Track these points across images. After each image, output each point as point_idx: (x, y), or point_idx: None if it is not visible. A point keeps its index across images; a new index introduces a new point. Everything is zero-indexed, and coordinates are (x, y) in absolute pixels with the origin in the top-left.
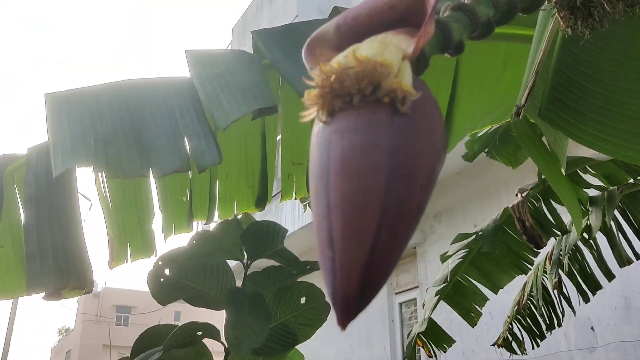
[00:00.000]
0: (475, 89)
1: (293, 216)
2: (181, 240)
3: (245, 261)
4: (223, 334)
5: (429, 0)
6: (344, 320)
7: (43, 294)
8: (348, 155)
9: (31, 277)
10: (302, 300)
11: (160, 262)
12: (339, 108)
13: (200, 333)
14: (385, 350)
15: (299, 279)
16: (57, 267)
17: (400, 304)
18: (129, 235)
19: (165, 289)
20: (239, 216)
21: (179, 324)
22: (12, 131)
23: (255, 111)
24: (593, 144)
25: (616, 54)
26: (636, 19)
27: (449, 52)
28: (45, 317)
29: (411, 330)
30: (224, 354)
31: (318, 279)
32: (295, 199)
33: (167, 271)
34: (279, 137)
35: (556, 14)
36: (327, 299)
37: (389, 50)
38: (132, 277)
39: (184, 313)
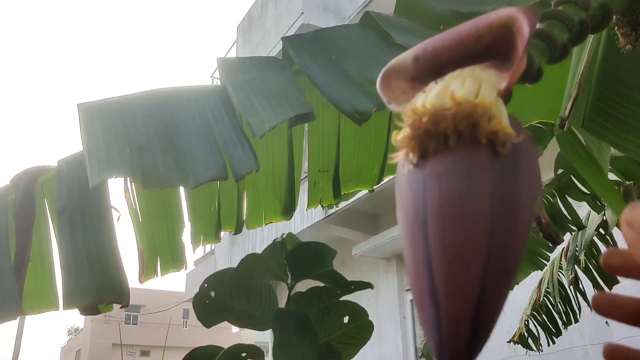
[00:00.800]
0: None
1: (302, 215)
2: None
3: (289, 282)
4: (269, 356)
5: (520, 30)
6: None
7: (79, 310)
8: (448, 202)
9: (67, 290)
10: (346, 319)
11: (206, 285)
12: (432, 150)
13: (244, 355)
14: (397, 347)
15: (341, 298)
16: (93, 281)
17: (412, 301)
18: (159, 248)
19: (210, 311)
20: (284, 236)
21: (188, 323)
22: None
23: (292, 118)
24: (638, 153)
25: None
26: None
27: (529, 81)
28: (54, 317)
29: None
30: None
31: (359, 298)
32: (322, 207)
33: (212, 293)
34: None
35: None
36: (432, 351)
37: (484, 88)
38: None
39: (193, 312)
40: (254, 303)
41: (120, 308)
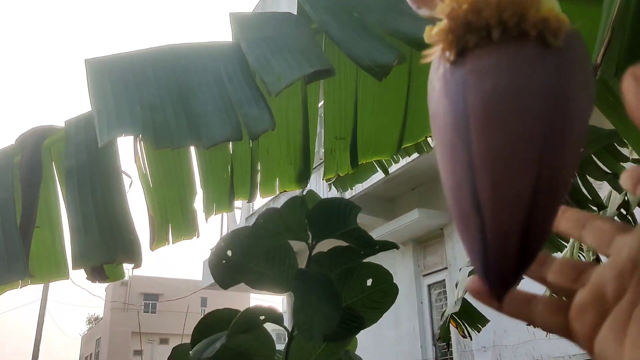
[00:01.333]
0: None
1: None
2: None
3: (310, 242)
4: (287, 319)
5: None
6: (501, 292)
7: (86, 274)
8: (493, 101)
9: (76, 250)
10: (369, 282)
11: (222, 243)
12: (473, 45)
13: (262, 317)
14: (414, 330)
15: (364, 260)
16: (103, 239)
17: (429, 286)
18: (171, 215)
19: (227, 272)
20: (304, 192)
21: (206, 310)
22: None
23: (310, 74)
24: None
25: None
26: None
27: None
28: (74, 307)
29: (444, 312)
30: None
31: (383, 260)
32: (340, 175)
33: (229, 253)
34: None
35: None
36: (476, 269)
37: None
38: (158, 264)
39: (210, 299)
40: (273, 264)
41: (133, 268)
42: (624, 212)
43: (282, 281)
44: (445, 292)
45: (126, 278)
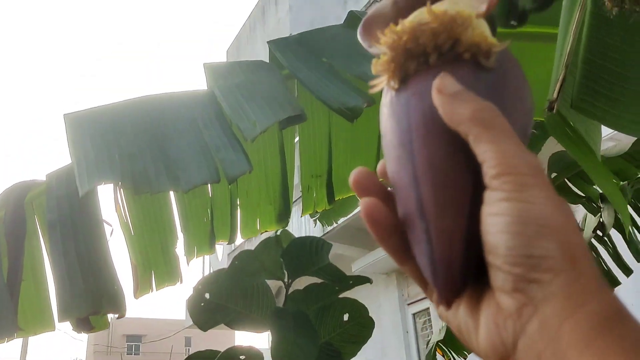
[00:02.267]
0: None
1: (300, 233)
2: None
3: (286, 280)
4: (268, 358)
5: None
6: (449, 295)
7: (72, 325)
8: (432, 117)
9: (62, 302)
10: (346, 317)
11: (200, 286)
12: (413, 71)
13: (243, 357)
14: None
15: (340, 295)
16: (88, 291)
17: (414, 315)
18: (153, 262)
19: (206, 314)
20: (278, 232)
21: (191, 350)
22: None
23: (283, 120)
24: (633, 129)
25: None
26: None
27: (514, 21)
28: (56, 351)
29: (429, 340)
30: None
31: (359, 294)
32: (317, 212)
33: (207, 295)
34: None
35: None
36: (425, 275)
37: (461, 6)
38: (141, 305)
39: (194, 340)
40: (251, 303)
41: (117, 318)
42: (600, 234)
43: (260, 320)
44: (430, 320)
45: (109, 320)
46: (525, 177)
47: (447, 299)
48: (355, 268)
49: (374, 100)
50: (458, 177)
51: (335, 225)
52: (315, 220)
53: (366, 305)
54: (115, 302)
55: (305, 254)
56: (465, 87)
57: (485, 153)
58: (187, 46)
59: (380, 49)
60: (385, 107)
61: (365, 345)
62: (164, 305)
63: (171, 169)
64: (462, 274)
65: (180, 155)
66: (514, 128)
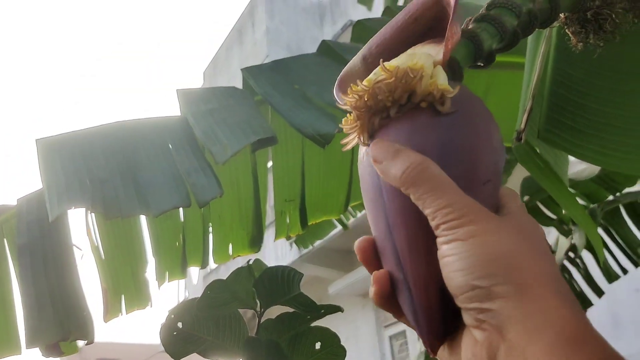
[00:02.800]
0: None
1: (276, 255)
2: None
3: (258, 309)
4: None
5: (448, 1)
6: (432, 340)
7: (41, 351)
8: None
9: (30, 328)
10: (317, 345)
11: (172, 315)
12: (378, 126)
13: None
14: None
15: (313, 324)
16: (57, 317)
17: (390, 337)
18: (123, 286)
19: (178, 343)
20: (250, 261)
21: None
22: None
23: (255, 143)
24: (596, 159)
25: (608, 70)
26: (624, 35)
27: (481, 62)
28: None
29: None
30: None
31: (331, 323)
32: (290, 236)
33: (179, 324)
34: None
35: (564, 30)
36: (411, 323)
37: (417, 57)
38: (114, 329)
39: None
40: (224, 333)
41: (86, 344)
42: (572, 256)
43: (233, 349)
44: (406, 342)
45: (80, 344)
46: (460, 220)
47: (432, 344)
48: (332, 290)
49: None
50: (427, 226)
51: (311, 247)
52: (291, 243)
53: (343, 328)
54: (84, 329)
55: (277, 284)
56: (425, 131)
57: (422, 207)
58: (187, 46)
59: (347, 108)
60: (360, 163)
61: None
62: (138, 330)
63: (142, 193)
64: (442, 318)
65: (151, 180)
66: (480, 165)
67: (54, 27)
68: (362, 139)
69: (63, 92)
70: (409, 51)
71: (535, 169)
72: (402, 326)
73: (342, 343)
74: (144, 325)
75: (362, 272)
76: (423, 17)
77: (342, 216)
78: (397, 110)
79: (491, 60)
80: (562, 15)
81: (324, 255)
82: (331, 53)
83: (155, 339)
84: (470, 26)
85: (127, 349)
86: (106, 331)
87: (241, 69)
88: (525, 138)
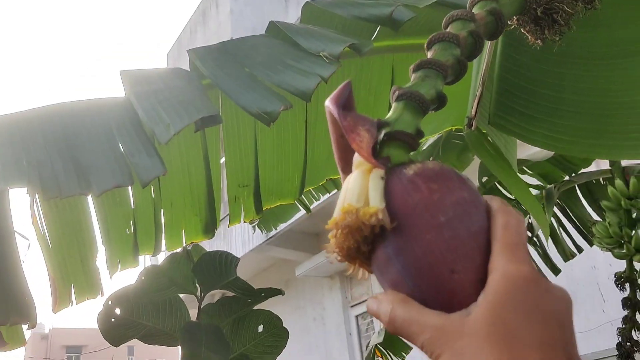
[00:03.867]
0: None
1: (243, 238)
2: (129, 275)
3: (198, 294)
4: None
5: (333, 115)
6: None
7: None
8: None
9: None
10: (260, 328)
11: (110, 302)
12: (365, 260)
13: None
14: None
15: (255, 307)
16: None
17: (357, 317)
18: (72, 276)
19: (117, 330)
20: (188, 247)
21: (134, 359)
22: None
23: (198, 121)
24: (546, 144)
25: (556, 55)
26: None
27: (434, 109)
28: None
29: (369, 342)
30: None
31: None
32: (244, 222)
33: (117, 311)
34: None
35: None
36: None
37: (345, 194)
38: (81, 315)
39: (138, 347)
40: (164, 318)
41: (27, 329)
42: (530, 235)
43: (174, 334)
44: (372, 321)
45: (46, 331)
46: (434, 355)
47: None
48: (299, 272)
49: (292, 105)
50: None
51: (278, 230)
52: (254, 227)
53: (310, 309)
54: (24, 313)
55: (215, 268)
56: (387, 263)
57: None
58: (125, 50)
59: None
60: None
61: (310, 348)
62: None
63: (83, 173)
64: None
65: (92, 160)
66: (438, 261)
67: (54, 27)
68: (365, 269)
69: (63, 92)
70: (344, 185)
71: (485, 154)
72: None
73: (310, 324)
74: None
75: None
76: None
77: (305, 199)
78: (368, 244)
79: (443, 102)
80: (514, 18)
81: (290, 238)
82: (280, 34)
83: None
84: (413, 76)
85: (94, 333)
86: (72, 318)
87: (187, 50)
88: (476, 124)
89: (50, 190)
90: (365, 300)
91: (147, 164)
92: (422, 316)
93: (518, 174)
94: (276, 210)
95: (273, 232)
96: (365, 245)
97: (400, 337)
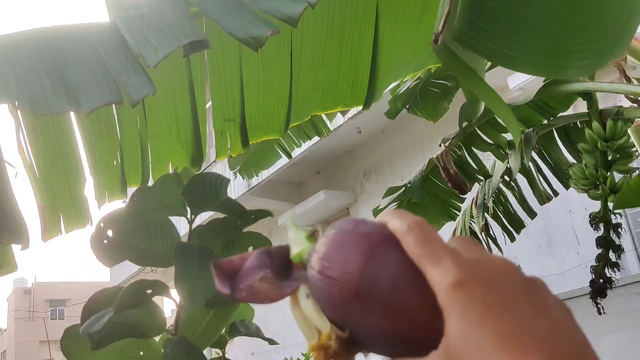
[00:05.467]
0: (397, 34)
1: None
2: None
3: (189, 216)
4: (174, 290)
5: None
6: None
7: None
8: None
9: None
10: (250, 249)
11: (102, 224)
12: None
13: (150, 291)
14: None
15: (245, 230)
16: None
17: None
18: (61, 205)
19: (110, 252)
20: (178, 170)
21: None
22: None
23: (186, 46)
24: (509, 63)
25: None
26: None
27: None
28: None
29: None
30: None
31: (263, 229)
32: (231, 156)
33: (109, 232)
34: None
35: None
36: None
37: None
38: (63, 269)
39: None
40: (156, 240)
41: (21, 250)
42: (508, 179)
43: (166, 256)
44: None
45: (29, 285)
46: None
47: None
48: (282, 222)
49: (279, 30)
50: None
51: (260, 179)
52: (235, 173)
53: None
54: (17, 233)
55: (205, 190)
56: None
57: None
58: None
59: None
60: None
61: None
62: (87, 268)
63: (71, 92)
64: None
65: (80, 79)
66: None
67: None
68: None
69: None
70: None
71: (455, 67)
72: None
73: None
74: (94, 265)
75: (310, 202)
76: None
77: (286, 145)
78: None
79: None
80: None
81: (272, 188)
82: None
83: (106, 277)
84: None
85: (77, 287)
86: (55, 272)
87: None
88: (443, 40)
89: (39, 108)
90: None
91: (136, 83)
92: None
93: (495, 116)
94: (258, 156)
95: (255, 181)
96: (347, 352)
97: None
